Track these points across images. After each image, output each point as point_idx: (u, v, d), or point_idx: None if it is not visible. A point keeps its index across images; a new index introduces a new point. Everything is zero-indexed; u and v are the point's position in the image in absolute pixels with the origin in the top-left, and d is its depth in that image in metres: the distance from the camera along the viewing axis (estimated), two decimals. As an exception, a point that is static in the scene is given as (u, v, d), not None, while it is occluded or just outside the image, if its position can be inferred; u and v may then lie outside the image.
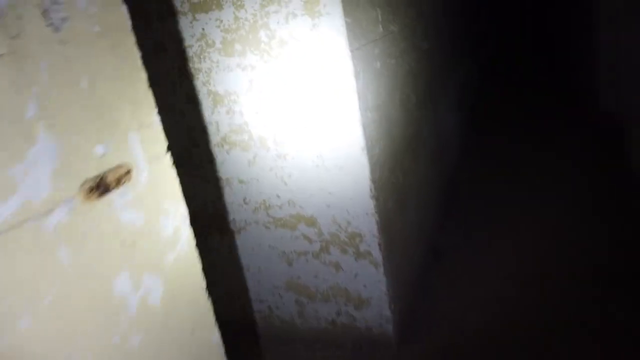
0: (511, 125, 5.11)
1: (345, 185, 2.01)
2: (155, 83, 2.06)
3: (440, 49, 3.57)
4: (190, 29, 2.03)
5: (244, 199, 2.21)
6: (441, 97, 3.51)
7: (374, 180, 1.99)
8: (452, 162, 3.92)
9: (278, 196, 2.15)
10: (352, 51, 1.83)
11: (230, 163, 2.18)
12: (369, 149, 1.96)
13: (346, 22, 1.80)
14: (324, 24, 1.81)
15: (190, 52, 2.07)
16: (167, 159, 1.01)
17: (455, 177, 3.88)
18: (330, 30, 1.81)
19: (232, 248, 2.33)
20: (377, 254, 2.05)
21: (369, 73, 2.02)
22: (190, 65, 2.08)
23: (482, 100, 6.07)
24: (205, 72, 2.07)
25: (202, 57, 2.05)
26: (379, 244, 2.03)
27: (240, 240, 2.30)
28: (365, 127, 1.93)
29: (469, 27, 5.63)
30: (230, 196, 2.24)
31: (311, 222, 2.13)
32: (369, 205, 2.00)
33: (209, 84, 2.08)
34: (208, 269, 2.28)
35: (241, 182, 2.19)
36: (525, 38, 9.73)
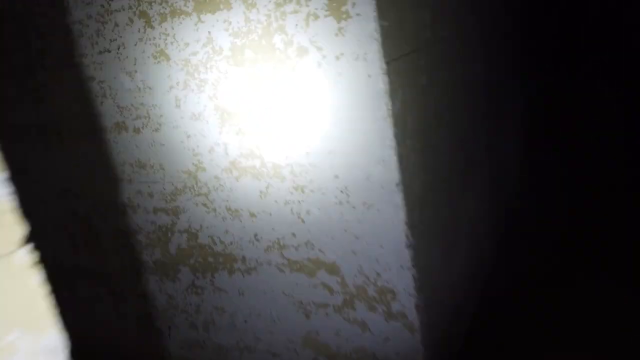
0: (579, 150, 4.48)
1: (376, 228, 1.61)
2: (156, 95, 1.66)
3: (500, 62, 3.08)
4: (195, 33, 1.70)
5: (255, 235, 1.85)
6: (500, 119, 3.01)
7: (411, 225, 1.57)
8: (512, 192, 3.40)
9: (294, 235, 1.77)
10: (388, 63, 1.43)
11: (239, 192, 1.83)
12: (406, 184, 1.55)
13: (381, 26, 1.40)
14: (352, 28, 1.42)
15: (194, 60, 1.73)
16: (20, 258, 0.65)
17: (514, 211, 3.36)
18: (360, 36, 1.41)
19: (242, 290, 1.97)
20: (413, 317, 1.63)
21: (411, 90, 1.60)
22: (196, 75, 1.75)
23: (547, 122, 5.44)
24: (212, 84, 1.73)
25: (208, 66, 1.71)
26: (417, 305, 1.61)
27: (250, 282, 1.94)
28: (401, 158, 1.52)
29: (534, 40, 5.03)
30: (240, 230, 1.88)
31: (333, 269, 1.73)
32: (405, 256, 1.58)
33: (217, 99, 1.74)
34: (215, 312, 1.82)
35: (252, 215, 1.83)
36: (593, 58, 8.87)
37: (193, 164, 1.88)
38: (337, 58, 1.47)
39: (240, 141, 1.75)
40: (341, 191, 1.63)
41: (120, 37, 1.85)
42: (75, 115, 2.08)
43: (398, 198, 1.53)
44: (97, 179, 2.15)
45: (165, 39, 1.76)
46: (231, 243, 1.93)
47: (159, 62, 1.80)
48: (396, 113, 1.48)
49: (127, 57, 1.86)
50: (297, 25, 1.49)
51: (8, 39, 2.12)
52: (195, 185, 1.92)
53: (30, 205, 2.44)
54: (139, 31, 1.81)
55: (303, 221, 1.74)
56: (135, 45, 1.83)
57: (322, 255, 1.74)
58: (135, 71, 1.86)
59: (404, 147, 1.54)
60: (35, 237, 2.52)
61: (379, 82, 1.43)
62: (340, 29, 1.43)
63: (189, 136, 1.85)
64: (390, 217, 1.56)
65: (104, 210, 2.19)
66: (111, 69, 1.90)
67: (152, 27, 1.78)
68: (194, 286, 2.10)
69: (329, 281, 1.76)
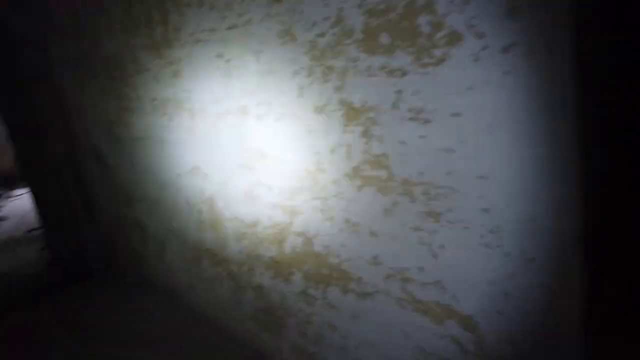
0: None
1: (540, 293, 1.15)
2: (280, 80, 1.38)
3: None
4: (324, 9, 1.37)
5: (375, 258, 1.53)
6: None
7: (594, 299, 1.08)
8: None
9: (422, 270, 1.40)
10: (586, 61, 0.92)
11: (360, 204, 1.51)
12: (590, 241, 1.05)
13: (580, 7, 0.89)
14: (535, 8, 0.94)
15: (321, 43, 1.42)
16: None
17: None
18: (544, 20, 0.93)
19: (355, 313, 1.69)
20: (574, 420, 1.16)
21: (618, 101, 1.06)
22: (322, 61, 1.44)
23: None
24: (339, 73, 1.40)
25: (336, 50, 1.38)
26: (582, 408, 1.13)
27: (365, 308, 1.65)
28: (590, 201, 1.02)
29: None
30: (358, 248, 1.58)
31: (468, 324, 1.33)
32: (580, 342, 1.10)
33: (342, 91, 1.41)
34: (326, 327, 1.56)
35: (373, 234, 1.51)
36: None
37: (313, 162, 1.61)
38: (505, 50, 1.01)
39: (366, 145, 1.41)
40: (491, 231, 1.19)
41: (249, 11, 1.62)
42: (203, 93, 1.96)
43: (578, 258, 1.05)
44: (221, 161, 2.03)
45: (292, 16, 1.48)
46: (347, 260, 1.64)
47: (284, 42, 1.53)
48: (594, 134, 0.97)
49: (253, 34, 1.63)
50: (452, 1, 1.06)
51: (148, 11, 2.08)
52: (313, 187, 1.65)
53: (163, 179, 2.49)
54: (266, 5, 1.55)
55: (435, 256, 1.35)
56: (262, 21, 1.58)
57: (456, 303, 1.34)
58: (261, 51, 1.63)
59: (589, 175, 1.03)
60: (170, 209, 2.58)
61: (567, 87, 0.93)
62: (514, 8, 0.96)
63: (310, 131, 1.57)
64: (562, 283, 1.09)
65: (227, 194, 2.09)
66: (238, 47, 1.70)
67: (279, 1, 1.50)
68: (306, 294, 1.89)
69: (461, 337, 1.36)
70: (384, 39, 1.24)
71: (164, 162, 2.43)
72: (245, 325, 2.36)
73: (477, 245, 1.23)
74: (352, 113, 1.42)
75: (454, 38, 1.08)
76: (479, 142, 1.14)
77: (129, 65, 2.34)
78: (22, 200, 6.07)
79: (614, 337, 1.16)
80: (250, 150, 1.85)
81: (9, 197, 7.56)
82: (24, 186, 5.71)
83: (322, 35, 1.40)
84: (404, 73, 1.24)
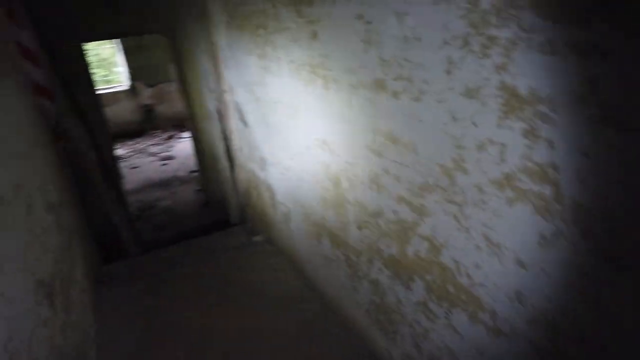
0: None
1: None
2: (424, 50, 1.09)
3: None
4: (494, -43, 1.00)
5: (518, 294, 1.18)
6: None
7: None
8: None
9: (580, 330, 1.02)
10: None
11: (508, 222, 1.15)
12: None
13: None
14: None
15: (485, 2, 1.06)
16: None
17: None
18: None
19: (482, 349, 1.37)
20: None
21: None
22: (482, 29, 1.08)
23: None
24: (505, 47, 1.03)
25: (503, 16, 1.01)
26: None
27: (496, 347, 1.31)
28: None
29: None
30: (497, 274, 1.24)
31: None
32: None
33: (505, 72, 1.05)
34: (444, 351, 1.32)
35: (521, 264, 1.15)
36: None
37: (452, 158, 1.28)
38: None
39: (529, 149, 1.04)
40: None
41: (398, -39, 1.31)
42: (338, 60, 1.73)
43: None
44: (349, 139, 1.80)
45: (450, -34, 1.13)
46: (481, 284, 1.31)
47: (436, 1, 1.20)
48: None
49: (398, -8, 1.32)
50: None
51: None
52: (449, 188, 1.33)
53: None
54: (419, -48, 1.22)
55: (606, 316, 0.96)
56: (411, -26, 1.26)
57: (629, 389, 0.94)
58: (406, 13, 1.31)
59: None
60: (297, 180, 2.46)
61: None
62: None
63: (455, 119, 1.24)
64: None
65: (352, 176, 1.86)
66: (380, 7, 1.41)
67: (436, -53, 1.16)
68: (426, 307, 1.61)
69: None
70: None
71: (296, 130, 2.30)
72: (358, 315, 2.18)
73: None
74: (514, 102, 1.04)
75: None
76: None
77: (271, 22, 2.21)
78: (188, 143, 6.73)
79: None
80: (381, 132, 1.58)
81: (179, 138, 8.50)
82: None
83: (486, -7, 1.04)
84: (606, 53, 0.83)
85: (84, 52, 3.94)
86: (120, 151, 7.92)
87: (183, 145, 7.91)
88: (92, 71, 4.05)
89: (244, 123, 3.09)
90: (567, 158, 0.96)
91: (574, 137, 0.93)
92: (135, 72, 8.67)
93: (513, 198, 1.12)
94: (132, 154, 7.93)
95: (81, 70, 3.94)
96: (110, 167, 4.01)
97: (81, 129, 3.31)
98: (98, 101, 4.23)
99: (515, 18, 0.99)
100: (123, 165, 7.01)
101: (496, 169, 1.15)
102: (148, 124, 8.99)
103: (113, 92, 8.70)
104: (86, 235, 3.31)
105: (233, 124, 3.35)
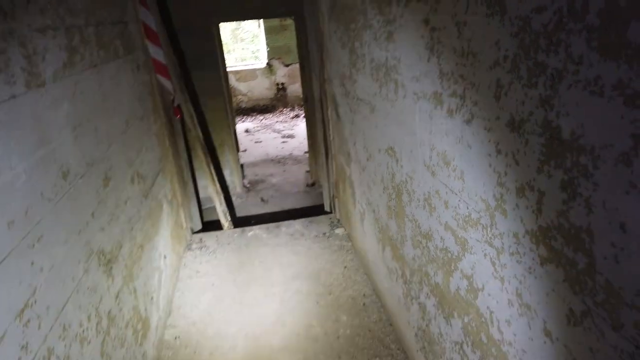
0: None
1: None
2: (477, 68, 1.10)
3: None
4: (547, -34, 0.81)
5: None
6: None
7: None
8: None
9: None
10: None
11: (540, 285, 0.96)
12: None
13: None
14: None
15: (536, 23, 0.87)
16: None
17: None
18: None
19: None
20: None
21: None
22: (531, 53, 0.89)
23: None
24: (551, 76, 0.84)
25: (554, 39, 0.83)
26: None
27: None
28: None
29: None
30: (527, 338, 1.05)
31: None
32: None
33: (550, 107, 0.86)
34: None
35: (548, 334, 0.96)
36: None
37: (494, 196, 1.11)
38: None
39: (566, 205, 0.84)
40: None
41: (468, -38, 1.14)
42: (406, 66, 1.59)
43: None
44: (411, 151, 1.67)
45: (507, -27, 0.95)
46: (509, 343, 1.13)
47: (491, 14, 1.02)
48: None
49: (459, 0, 1.16)
50: None
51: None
52: (489, 228, 1.16)
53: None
54: (484, -46, 1.05)
55: None
56: (473, -22, 1.09)
57: None
58: (464, 23, 1.15)
59: None
60: (370, 182, 2.37)
61: None
62: None
63: (498, 151, 1.06)
64: None
65: (410, 189, 1.73)
66: (445, 13, 1.26)
67: (498, -51, 0.98)
68: (462, 350, 1.45)
69: None
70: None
71: (372, 131, 2.20)
72: (409, 336, 2.06)
73: None
74: (555, 145, 0.85)
75: None
76: None
77: (359, 17, 2.12)
78: (309, 123, 6.94)
79: None
80: (436, 150, 1.43)
81: (301, 117, 8.79)
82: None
83: (540, 10, 0.85)
84: (654, 106, 0.62)
85: (212, 33, 4.22)
86: (250, 125, 8.48)
87: (304, 126, 8.18)
88: (220, 51, 4.31)
89: (337, 115, 3.06)
90: (605, 224, 0.76)
91: (617, 200, 0.73)
92: (273, 51, 9.14)
93: (546, 258, 0.93)
94: (259, 128, 8.44)
95: (207, 51, 4.23)
96: (211, 145, 4.30)
97: (190, 106, 3.59)
98: (219, 82, 4.50)
99: (565, 45, 0.79)
100: (249, 139, 7.50)
101: (533, 220, 0.96)
102: (279, 101, 9.47)
103: (251, 69, 9.31)
104: (180, 204, 3.63)
105: (329, 114, 3.35)
